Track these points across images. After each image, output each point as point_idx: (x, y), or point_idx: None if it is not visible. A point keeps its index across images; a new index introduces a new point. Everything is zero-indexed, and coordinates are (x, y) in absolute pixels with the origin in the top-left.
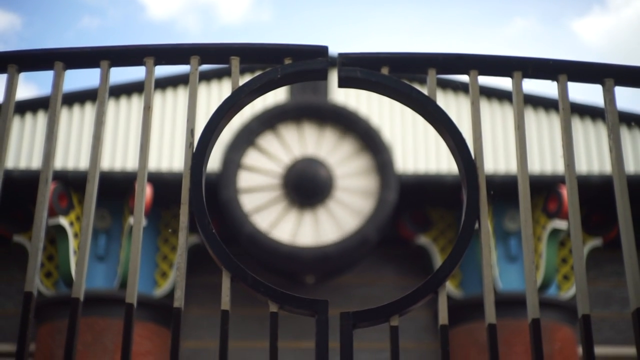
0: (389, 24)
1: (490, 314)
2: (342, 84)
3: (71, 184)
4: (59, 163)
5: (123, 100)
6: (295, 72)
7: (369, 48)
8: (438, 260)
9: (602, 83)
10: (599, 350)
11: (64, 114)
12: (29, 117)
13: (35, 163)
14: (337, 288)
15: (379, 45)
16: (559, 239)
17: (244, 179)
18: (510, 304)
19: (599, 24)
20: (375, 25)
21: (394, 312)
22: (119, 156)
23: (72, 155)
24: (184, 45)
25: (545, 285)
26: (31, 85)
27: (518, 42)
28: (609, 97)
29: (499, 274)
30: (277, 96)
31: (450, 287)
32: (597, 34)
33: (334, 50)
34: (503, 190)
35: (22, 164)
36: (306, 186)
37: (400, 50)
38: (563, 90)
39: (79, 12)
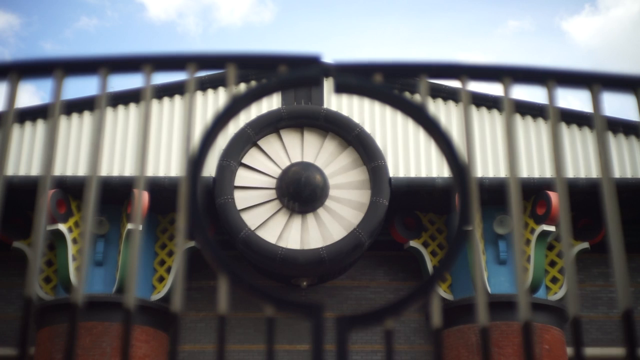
0: (383, 32)
1: (483, 318)
2: (337, 91)
3: (70, 191)
4: (58, 170)
5: (121, 108)
6: (289, 80)
7: (364, 55)
8: (429, 263)
9: (589, 88)
10: (586, 351)
11: (63, 122)
12: (28, 125)
13: (35, 170)
14: (331, 291)
15: (373, 53)
16: (547, 242)
17: (239, 183)
18: (500, 306)
19: (590, 23)
20: (369, 32)
21: (387, 315)
22: (117, 163)
23: (71, 162)
24: (181, 52)
25: (534, 288)
26: (29, 86)
27: (512, 43)
28: (596, 102)
29: (489, 276)
30: (271, 103)
31: (441, 290)
32: (588, 32)
33: (330, 57)
34: (492, 194)
35: (22, 171)
36: (300, 192)
37: (393, 58)
38: (551, 95)
39: (77, 12)
